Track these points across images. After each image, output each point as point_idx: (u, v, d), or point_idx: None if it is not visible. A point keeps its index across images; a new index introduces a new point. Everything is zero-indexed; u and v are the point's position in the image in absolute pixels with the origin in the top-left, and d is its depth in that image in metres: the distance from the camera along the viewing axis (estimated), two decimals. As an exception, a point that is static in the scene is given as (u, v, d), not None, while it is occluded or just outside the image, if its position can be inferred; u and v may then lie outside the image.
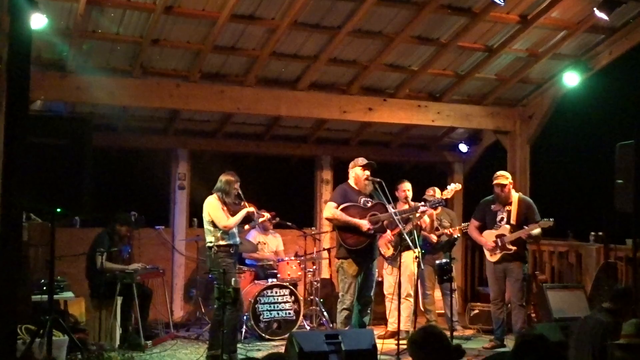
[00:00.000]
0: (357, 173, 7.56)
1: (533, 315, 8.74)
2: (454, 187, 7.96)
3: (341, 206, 7.42)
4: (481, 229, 8.26)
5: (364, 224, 7.31)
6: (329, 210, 7.48)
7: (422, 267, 7.56)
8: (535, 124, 9.99)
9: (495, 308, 8.18)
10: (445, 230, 8.82)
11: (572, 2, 8.02)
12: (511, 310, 8.16)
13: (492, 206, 8.17)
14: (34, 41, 5.13)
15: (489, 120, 10.09)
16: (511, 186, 8.12)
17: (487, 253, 8.19)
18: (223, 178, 7.46)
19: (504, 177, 8.08)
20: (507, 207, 8.06)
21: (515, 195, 8.12)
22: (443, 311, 9.16)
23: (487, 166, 11.21)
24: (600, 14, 7.76)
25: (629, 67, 9.27)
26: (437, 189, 8.71)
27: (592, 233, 8.93)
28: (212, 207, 7.32)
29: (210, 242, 7.29)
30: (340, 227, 7.44)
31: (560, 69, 9.37)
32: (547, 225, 7.85)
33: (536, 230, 7.93)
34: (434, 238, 8.78)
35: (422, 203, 7.84)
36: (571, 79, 9.17)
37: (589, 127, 10.10)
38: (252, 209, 7.49)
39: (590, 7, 7.97)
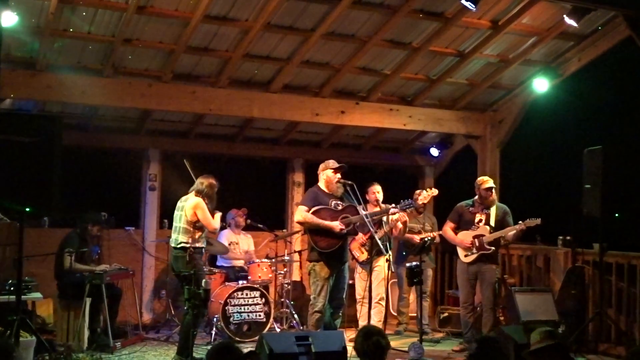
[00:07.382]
0: (329, 176, 7.55)
1: (501, 318, 8.81)
2: (430, 193, 8.00)
3: (312, 209, 7.42)
4: (454, 232, 8.32)
5: (336, 225, 7.30)
6: (300, 213, 7.47)
7: (393, 269, 7.59)
8: (505, 128, 10.10)
9: (465, 312, 8.18)
10: (430, 234, 8.88)
11: (542, 9, 8.12)
12: (482, 313, 8.20)
13: (471, 209, 8.23)
14: (4, 38, 5.08)
15: (460, 125, 10.18)
16: None
17: (461, 254, 8.20)
18: (205, 182, 7.34)
19: (491, 181, 8.20)
20: (486, 211, 8.13)
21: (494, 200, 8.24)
22: (416, 314, 9.19)
23: (457, 170, 11.34)
24: (570, 21, 7.88)
25: (597, 74, 9.42)
26: (424, 191, 8.30)
27: (560, 237, 9.00)
28: (202, 210, 7.19)
29: (187, 242, 7.17)
30: (312, 230, 7.42)
31: (530, 74, 9.49)
32: (534, 224, 7.93)
33: (513, 232, 8.03)
34: (416, 239, 8.84)
35: (393, 205, 7.86)
36: (541, 84, 9.30)
37: (557, 133, 10.23)
38: (219, 214, 7.54)
39: (560, 14, 8.09)
